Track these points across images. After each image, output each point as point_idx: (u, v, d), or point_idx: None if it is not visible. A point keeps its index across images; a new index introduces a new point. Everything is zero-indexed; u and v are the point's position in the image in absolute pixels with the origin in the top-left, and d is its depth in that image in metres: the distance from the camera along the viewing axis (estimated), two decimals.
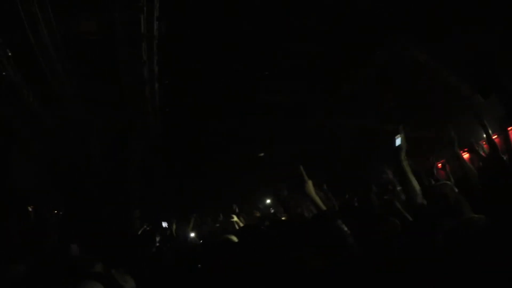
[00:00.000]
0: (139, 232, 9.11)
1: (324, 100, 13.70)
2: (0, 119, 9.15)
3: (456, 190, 3.01)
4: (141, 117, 12.98)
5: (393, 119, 11.09)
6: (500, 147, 4.37)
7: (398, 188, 4.51)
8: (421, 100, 11.54)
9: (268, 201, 15.27)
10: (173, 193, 16.61)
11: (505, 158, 4.11)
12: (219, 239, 3.26)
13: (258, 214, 6.39)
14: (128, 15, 8.20)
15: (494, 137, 4.37)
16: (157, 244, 7.56)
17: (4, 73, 7.89)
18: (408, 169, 2.90)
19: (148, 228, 9.37)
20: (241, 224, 5.79)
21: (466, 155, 6.44)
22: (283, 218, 6.53)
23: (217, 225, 10.66)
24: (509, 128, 4.36)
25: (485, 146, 5.41)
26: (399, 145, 2.88)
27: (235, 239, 2.98)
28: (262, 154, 17.51)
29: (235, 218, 5.95)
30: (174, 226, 10.44)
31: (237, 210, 6.04)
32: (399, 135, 2.89)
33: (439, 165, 7.63)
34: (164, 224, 10.67)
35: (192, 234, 15.63)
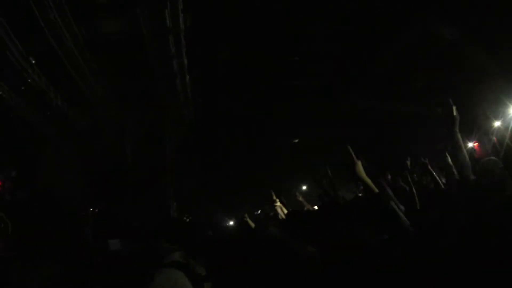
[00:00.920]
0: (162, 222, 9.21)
1: (356, 83, 13.37)
2: (31, 124, 9.48)
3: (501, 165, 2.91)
4: (174, 110, 13.16)
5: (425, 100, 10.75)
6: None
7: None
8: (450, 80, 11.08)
9: (304, 187, 15.16)
10: (207, 183, 16.80)
11: None
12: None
13: (300, 198, 6.31)
14: (152, 10, 8.25)
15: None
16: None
17: (29, 81, 8.14)
18: (461, 141, 2.96)
19: (188, 220, 9.49)
20: (284, 209, 5.76)
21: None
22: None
23: (259, 211, 10.61)
24: None
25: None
26: (454, 116, 2.92)
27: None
28: (296, 141, 17.36)
29: (278, 203, 5.87)
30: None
31: (274, 196, 5.98)
32: (454, 106, 2.93)
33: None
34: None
35: (231, 222, 15.84)
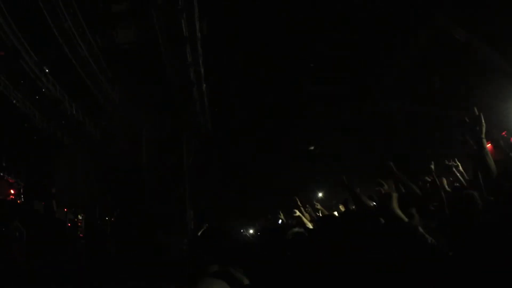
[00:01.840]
0: (199, 232, 9.10)
1: (375, 89, 13.07)
2: (46, 133, 9.46)
3: None
4: (191, 119, 13.09)
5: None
6: None
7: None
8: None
9: (320, 194, 15.04)
10: (226, 193, 16.72)
11: None
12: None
13: (318, 206, 6.18)
14: (168, 19, 8.15)
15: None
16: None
17: (44, 90, 8.10)
18: (486, 147, 3.01)
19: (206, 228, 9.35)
20: (307, 216, 5.63)
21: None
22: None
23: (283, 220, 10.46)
24: None
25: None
26: (482, 124, 2.96)
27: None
28: (312, 148, 17.14)
29: (298, 213, 5.73)
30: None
31: (299, 203, 5.85)
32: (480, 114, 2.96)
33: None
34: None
35: (251, 231, 15.62)
